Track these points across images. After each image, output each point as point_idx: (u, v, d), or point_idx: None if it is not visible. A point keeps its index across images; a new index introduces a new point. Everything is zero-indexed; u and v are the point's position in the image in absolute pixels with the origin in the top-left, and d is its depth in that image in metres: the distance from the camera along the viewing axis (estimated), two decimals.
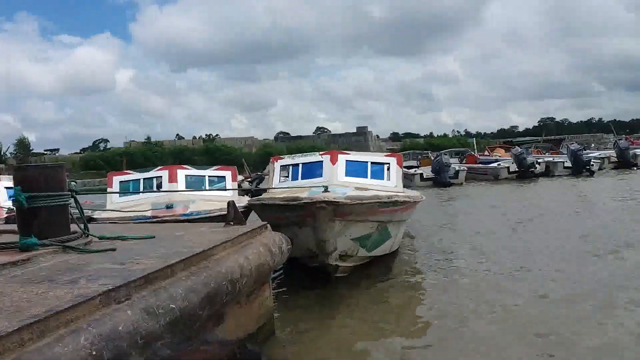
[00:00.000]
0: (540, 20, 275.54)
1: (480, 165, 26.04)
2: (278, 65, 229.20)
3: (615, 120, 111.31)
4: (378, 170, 8.11)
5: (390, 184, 7.92)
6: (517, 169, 22.99)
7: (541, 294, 5.40)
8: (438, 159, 22.93)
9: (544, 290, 5.54)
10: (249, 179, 20.36)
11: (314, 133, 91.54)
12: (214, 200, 7.69)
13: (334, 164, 7.93)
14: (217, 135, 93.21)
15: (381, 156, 8.85)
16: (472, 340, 4.26)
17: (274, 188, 7.96)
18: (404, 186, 8.80)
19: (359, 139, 71.52)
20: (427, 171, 23.56)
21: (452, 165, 22.96)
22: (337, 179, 7.66)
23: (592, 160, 23.34)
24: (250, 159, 44.82)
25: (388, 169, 8.13)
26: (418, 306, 5.53)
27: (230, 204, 4.36)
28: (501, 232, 9.63)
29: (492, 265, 6.88)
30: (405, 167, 25.84)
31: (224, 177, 9.15)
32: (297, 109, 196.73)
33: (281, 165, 8.49)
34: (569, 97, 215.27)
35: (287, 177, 8.36)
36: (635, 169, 23.87)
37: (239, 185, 13.30)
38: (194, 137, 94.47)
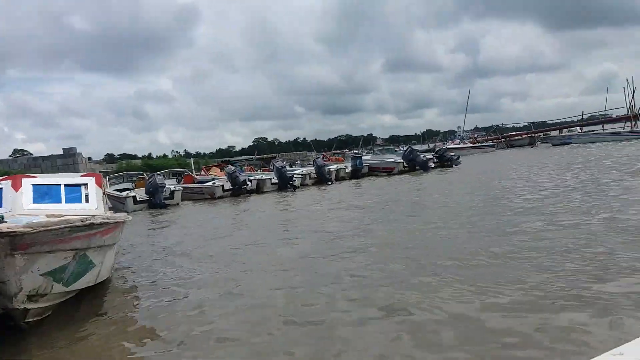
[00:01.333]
0: (245, 45, 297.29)
1: (196, 185, 26.28)
2: None
3: (315, 139, 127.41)
4: (74, 193, 7.23)
5: (90, 207, 7.15)
6: (231, 187, 24.03)
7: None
8: (151, 180, 22.21)
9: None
10: None
11: (10, 156, 78.72)
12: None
13: (17, 190, 6.77)
14: None
15: (76, 177, 7.87)
16: None
17: None
18: (115, 210, 8.13)
19: (66, 162, 64.44)
20: (141, 193, 22.62)
21: (168, 186, 22.59)
22: (23, 208, 6.56)
23: (295, 176, 25.95)
24: None
25: (86, 190, 7.36)
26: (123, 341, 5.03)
27: None
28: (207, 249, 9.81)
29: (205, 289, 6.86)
30: (118, 189, 24.49)
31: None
32: None
33: None
34: (277, 118, 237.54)
35: None
36: (330, 183, 27.02)
37: None
38: None
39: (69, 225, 5.20)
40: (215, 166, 36.63)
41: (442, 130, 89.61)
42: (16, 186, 6.78)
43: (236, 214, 17.15)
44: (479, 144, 54.19)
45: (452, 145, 48.76)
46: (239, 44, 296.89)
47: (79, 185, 7.35)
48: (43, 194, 6.95)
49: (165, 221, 16.67)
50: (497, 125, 66.06)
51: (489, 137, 60.40)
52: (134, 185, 27.58)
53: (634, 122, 44.99)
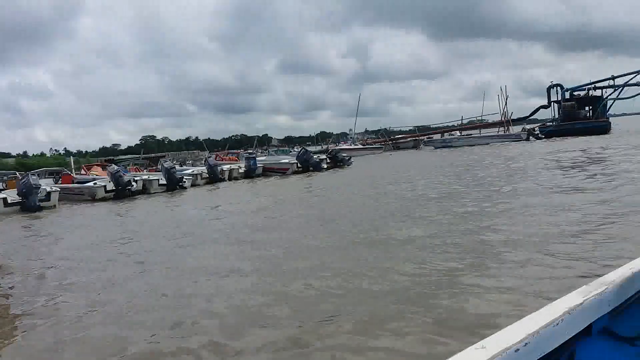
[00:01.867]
0: (133, 39, 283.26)
1: (76, 185, 24.43)
2: None
3: (209, 138, 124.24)
4: None
5: None
6: (114, 188, 22.62)
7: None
8: (25, 180, 20.25)
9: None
10: None
11: None
12: None
13: None
14: None
15: None
16: None
17: None
18: None
19: None
20: (13, 194, 20.54)
21: (43, 187, 20.73)
22: None
23: (185, 177, 25.11)
24: None
25: None
26: None
27: None
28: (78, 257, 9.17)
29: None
30: None
31: None
32: None
33: None
34: (167, 116, 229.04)
35: None
36: (223, 182, 26.66)
37: None
38: None
39: None
40: (97, 165, 34.27)
41: (335, 132, 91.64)
42: None
43: (117, 218, 16.19)
44: (369, 146, 56.33)
45: (344, 147, 50.16)
46: (126, 38, 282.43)
47: None
48: None
49: (37, 227, 15.30)
50: (385, 129, 69.37)
51: (377, 140, 63.04)
52: (5, 185, 24.98)
53: (506, 127, 49.69)
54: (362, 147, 54.71)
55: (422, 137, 58.84)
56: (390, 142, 59.22)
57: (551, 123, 48.29)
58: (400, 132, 70.62)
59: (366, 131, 78.55)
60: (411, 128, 69.49)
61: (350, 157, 34.39)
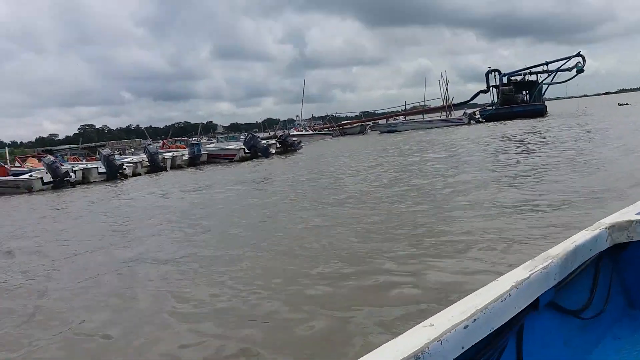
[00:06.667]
0: (54, 24, 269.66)
1: (10, 178, 23.08)
2: None
3: (150, 127, 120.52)
4: None
5: None
6: (52, 179, 21.54)
7: None
8: None
9: None
10: None
11: None
12: None
13: None
14: None
15: None
16: None
17: None
18: None
19: None
20: None
21: None
22: None
23: (125, 165, 24.21)
24: None
25: None
26: None
27: None
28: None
29: None
30: None
31: None
32: None
33: None
34: (102, 104, 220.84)
35: None
36: (165, 171, 25.83)
37: None
38: None
39: None
40: (33, 156, 32.47)
41: (281, 119, 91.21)
42: None
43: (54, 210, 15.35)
44: (318, 132, 56.32)
45: (295, 133, 49.95)
46: (46, 22, 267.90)
47: None
48: None
49: None
50: (332, 115, 69.40)
51: (325, 126, 63.10)
52: None
53: (448, 112, 50.89)
54: (312, 132, 54.65)
55: (368, 123, 59.36)
56: (337, 127, 59.46)
57: (491, 107, 49.87)
58: (347, 118, 71.10)
59: (313, 117, 78.29)
60: (357, 114, 70.17)
61: (300, 142, 34.28)
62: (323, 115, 75.67)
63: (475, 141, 22.44)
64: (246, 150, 29.37)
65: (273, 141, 33.08)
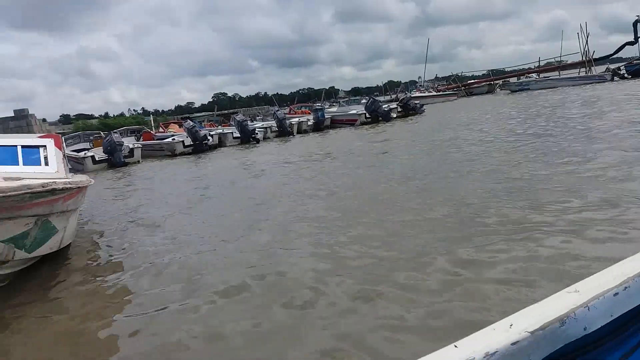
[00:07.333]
0: None
1: (156, 142, 25.65)
2: None
3: (277, 93, 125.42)
4: (32, 155, 6.85)
5: (50, 170, 6.77)
6: (191, 143, 23.55)
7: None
8: (108, 138, 21.51)
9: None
10: None
11: None
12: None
13: None
14: None
15: (34, 138, 7.33)
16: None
17: None
18: (75, 171, 7.76)
19: (19, 124, 61.32)
20: (100, 152, 21.90)
21: (126, 144, 21.96)
22: None
23: (257, 130, 25.64)
24: None
25: (45, 152, 6.99)
26: (102, 311, 4.72)
27: None
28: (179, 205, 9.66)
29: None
30: (75, 150, 23.60)
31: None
32: None
33: None
34: (232, 73, 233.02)
35: None
36: (292, 136, 26.92)
37: None
38: None
39: (29, 191, 4.88)
40: (174, 123, 35.72)
41: (403, 81, 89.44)
42: None
43: (199, 170, 16.84)
44: (442, 93, 54.51)
45: (417, 94, 48.83)
46: None
47: (37, 147, 6.91)
48: None
49: (126, 180, 16.28)
50: (457, 74, 66.51)
51: (449, 86, 60.84)
52: (91, 144, 26.68)
53: (588, 68, 46.14)
54: (435, 94, 53.02)
55: (497, 81, 56.08)
56: (463, 87, 57.04)
57: (639, 61, 44.32)
58: (473, 77, 67.77)
59: (436, 78, 75.85)
60: (484, 72, 66.40)
61: (423, 105, 33.53)
62: (447, 75, 73.01)
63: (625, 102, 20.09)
64: (367, 115, 29.53)
65: (394, 105, 32.76)
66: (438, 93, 53.96)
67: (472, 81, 62.46)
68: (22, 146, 6.83)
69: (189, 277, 5.21)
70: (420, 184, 8.56)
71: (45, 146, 6.97)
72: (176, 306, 4.46)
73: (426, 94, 51.19)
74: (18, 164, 6.59)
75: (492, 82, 55.88)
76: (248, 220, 7.43)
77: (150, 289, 5.05)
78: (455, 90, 55.68)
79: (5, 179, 5.72)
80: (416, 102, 33.82)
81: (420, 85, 63.69)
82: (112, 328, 4.25)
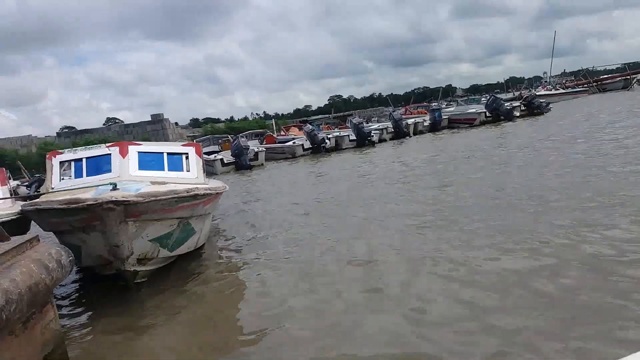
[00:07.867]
0: (301, 1, 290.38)
1: (278, 145, 26.83)
2: (34, 54, 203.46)
3: (392, 94, 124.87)
4: (176, 161, 7.58)
5: (190, 176, 7.50)
6: (310, 146, 24.32)
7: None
8: (236, 142, 23.00)
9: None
10: (26, 183, 17.89)
11: (104, 125, 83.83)
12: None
13: (124, 156, 7.23)
14: None
15: (178, 146, 8.13)
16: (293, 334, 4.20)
17: (54, 190, 6.85)
18: (206, 173, 8.48)
19: (155, 128, 67.58)
20: (227, 155, 23.45)
21: (251, 148, 23.30)
22: (129, 174, 6.99)
23: (372, 132, 25.76)
24: (31, 161, 39.52)
25: (187, 159, 7.71)
26: (235, 303, 5.27)
27: None
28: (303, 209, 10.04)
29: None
30: (206, 152, 25.43)
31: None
32: (75, 99, 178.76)
33: (60, 162, 7.39)
34: (347, 75, 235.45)
35: (69, 175, 7.31)
36: (409, 137, 26.72)
37: (14, 192, 11.52)
38: None
39: (176, 195, 5.60)
40: (294, 126, 37.15)
41: (526, 77, 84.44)
42: (123, 153, 7.23)
43: (323, 171, 17.24)
44: (570, 90, 50.48)
45: (542, 92, 45.70)
46: (296, 1, 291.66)
47: (181, 154, 7.69)
48: (147, 161, 7.37)
49: (255, 183, 17.23)
50: (587, 69, 61.21)
51: (578, 82, 56.23)
52: (220, 147, 28.66)
53: None
54: (563, 91, 49.21)
55: (635, 76, 50.64)
56: (594, 83, 52.39)
57: None
58: (606, 72, 62.03)
59: (564, 73, 70.44)
60: (618, 66, 60.49)
61: (549, 103, 31.41)
62: (576, 70, 67.59)
63: None
64: (487, 114, 28.38)
65: (517, 103, 31.06)
66: (566, 90, 50.08)
67: (605, 76, 57.06)
68: (168, 153, 7.61)
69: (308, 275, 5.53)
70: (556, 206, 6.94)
71: (187, 154, 7.72)
72: (302, 304, 4.76)
73: (552, 91, 47.69)
74: (164, 169, 7.36)
75: (629, 77, 50.45)
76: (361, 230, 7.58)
77: (275, 286, 5.45)
78: (585, 87, 51.28)
79: (153, 182, 6.47)
80: (541, 100, 31.77)
81: (546, 82, 59.58)
82: (241, 318, 4.77)
